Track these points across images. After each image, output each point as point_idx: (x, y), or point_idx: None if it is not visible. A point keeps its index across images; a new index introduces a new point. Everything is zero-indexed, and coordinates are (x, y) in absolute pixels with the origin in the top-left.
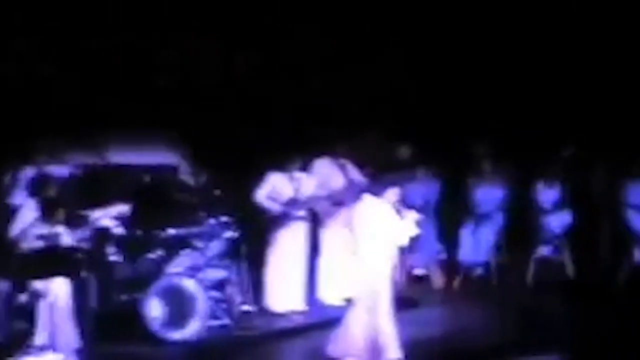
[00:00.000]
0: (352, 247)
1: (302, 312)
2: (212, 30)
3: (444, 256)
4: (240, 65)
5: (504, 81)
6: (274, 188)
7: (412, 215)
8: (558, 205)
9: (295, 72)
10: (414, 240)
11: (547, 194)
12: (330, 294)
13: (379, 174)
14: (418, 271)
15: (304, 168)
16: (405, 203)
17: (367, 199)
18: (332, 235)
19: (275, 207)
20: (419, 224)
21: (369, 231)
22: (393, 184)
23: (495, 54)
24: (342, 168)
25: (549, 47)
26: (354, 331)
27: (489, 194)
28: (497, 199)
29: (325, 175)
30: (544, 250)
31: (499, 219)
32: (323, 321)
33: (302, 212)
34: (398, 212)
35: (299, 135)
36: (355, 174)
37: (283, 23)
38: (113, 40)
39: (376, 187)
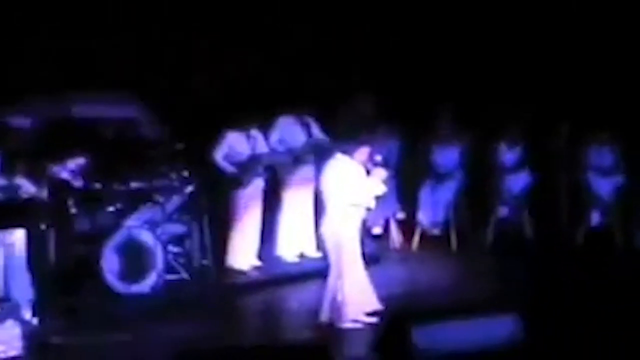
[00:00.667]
0: (311, 205)
1: (259, 267)
2: None
3: (402, 215)
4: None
5: (467, 41)
6: (231, 147)
7: (380, 173)
8: (518, 166)
9: (259, 26)
10: (379, 198)
11: (507, 154)
12: (287, 251)
13: (342, 130)
14: (377, 230)
15: (263, 126)
16: (372, 160)
17: (337, 157)
18: (292, 192)
19: (230, 168)
20: (385, 181)
21: (337, 190)
22: (360, 142)
23: (461, 15)
24: (305, 125)
25: (513, 7)
26: (336, 294)
27: (449, 154)
28: (458, 159)
29: (286, 132)
30: (502, 211)
31: (458, 179)
32: (279, 277)
33: (260, 170)
34: (367, 171)
35: (261, 91)
36: (318, 131)
37: None
38: None
39: (345, 145)
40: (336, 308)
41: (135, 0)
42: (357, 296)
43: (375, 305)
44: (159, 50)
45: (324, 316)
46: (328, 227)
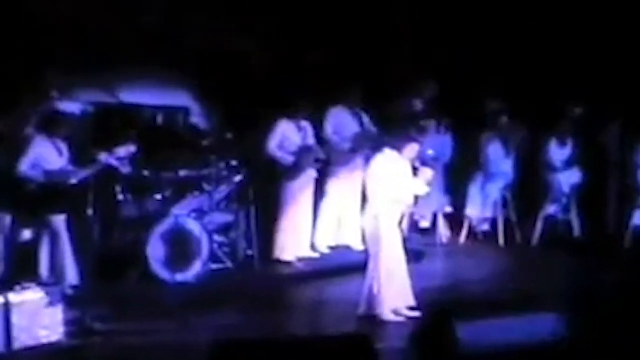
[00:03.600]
0: (358, 197)
1: (306, 259)
2: None
3: (451, 209)
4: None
5: (518, 36)
6: (284, 136)
7: (427, 173)
8: (568, 164)
9: (311, 16)
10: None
11: (557, 152)
12: (334, 243)
13: (392, 125)
14: (424, 223)
15: (312, 116)
16: (421, 160)
17: (386, 151)
18: (343, 184)
19: (286, 158)
20: (430, 182)
21: (381, 184)
22: (411, 139)
23: (514, 11)
24: (357, 116)
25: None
26: (377, 286)
27: (499, 150)
28: (508, 155)
29: (339, 122)
30: (552, 209)
31: (508, 175)
32: (324, 269)
33: (312, 161)
34: (414, 169)
35: (311, 83)
36: (368, 123)
37: None
38: None
39: (395, 140)
40: (373, 300)
41: None
42: (393, 290)
43: (410, 300)
44: (210, 39)
45: (362, 309)
46: (368, 219)
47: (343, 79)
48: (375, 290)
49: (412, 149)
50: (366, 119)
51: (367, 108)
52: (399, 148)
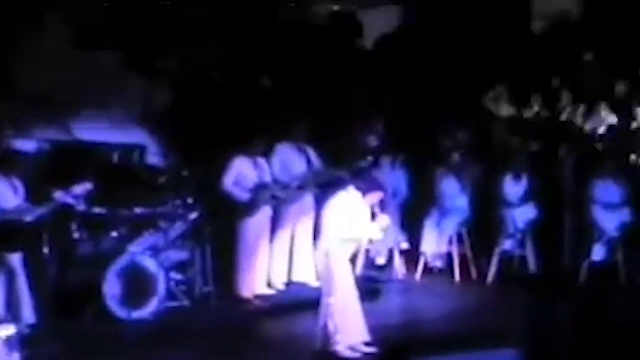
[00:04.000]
0: (310, 233)
1: (262, 296)
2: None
3: (407, 246)
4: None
5: (472, 73)
6: (240, 173)
7: (384, 220)
8: (523, 200)
9: (263, 57)
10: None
11: (512, 187)
12: (292, 279)
13: (344, 162)
14: (380, 260)
15: (265, 153)
16: (381, 207)
17: (350, 191)
18: (294, 222)
19: (242, 195)
20: (385, 229)
21: (339, 222)
22: (377, 187)
23: (463, 46)
24: (303, 153)
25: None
26: (331, 322)
27: (454, 186)
28: (463, 191)
29: (287, 160)
30: (507, 244)
31: (463, 211)
32: (281, 305)
33: (268, 198)
34: (373, 215)
35: (265, 119)
36: (316, 160)
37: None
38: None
39: (361, 183)
40: (329, 337)
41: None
42: (348, 326)
43: (365, 336)
44: (163, 74)
45: (319, 345)
46: (319, 256)
47: (289, 114)
48: (330, 327)
49: (375, 196)
50: (313, 156)
51: (316, 144)
52: (363, 191)
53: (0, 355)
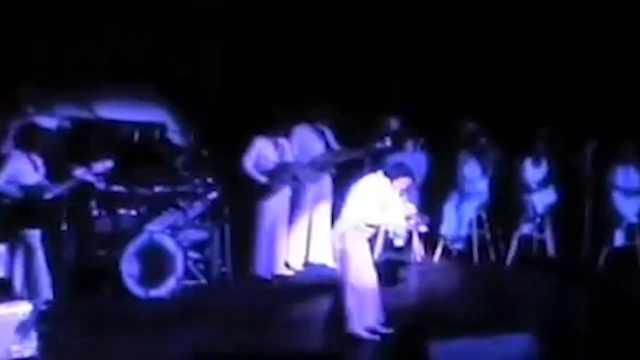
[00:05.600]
0: (328, 214)
1: (280, 276)
2: None
3: (426, 228)
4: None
5: (494, 56)
6: (261, 154)
7: (410, 209)
8: (543, 183)
9: (285, 37)
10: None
11: (533, 171)
12: (309, 260)
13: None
14: (399, 242)
15: (285, 134)
16: (409, 195)
17: (378, 175)
18: (313, 203)
19: (262, 175)
20: (409, 218)
21: (362, 205)
22: (405, 173)
23: (487, 31)
24: (321, 134)
25: (540, 23)
26: (348, 303)
27: (474, 169)
28: (483, 175)
29: (306, 141)
30: (526, 228)
31: (483, 194)
32: (299, 286)
33: (288, 179)
34: (401, 201)
35: (285, 100)
36: (333, 142)
37: None
38: None
39: (390, 169)
40: (346, 318)
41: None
42: (365, 307)
43: (380, 317)
44: (189, 54)
45: (336, 326)
46: (335, 237)
47: (308, 95)
48: (347, 308)
49: (402, 182)
50: (331, 138)
51: (334, 126)
52: (391, 177)
53: (19, 332)
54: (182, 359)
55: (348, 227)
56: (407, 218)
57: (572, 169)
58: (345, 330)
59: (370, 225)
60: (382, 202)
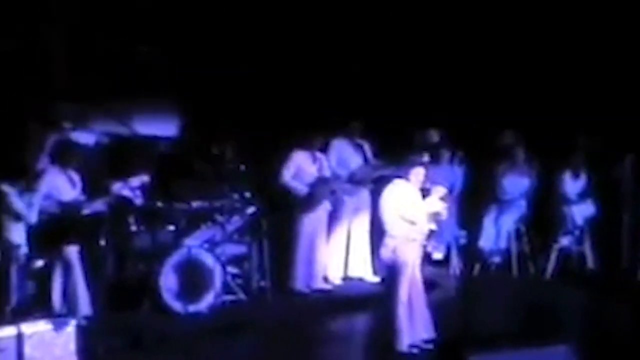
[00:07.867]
0: (367, 229)
1: (319, 290)
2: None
3: (464, 241)
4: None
5: (534, 69)
6: (299, 167)
7: (439, 190)
8: (582, 196)
9: (323, 51)
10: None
11: (571, 184)
12: (348, 275)
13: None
14: (437, 255)
15: (323, 148)
16: (430, 180)
17: (395, 181)
18: (351, 216)
19: (301, 188)
20: (445, 198)
21: (397, 213)
22: (414, 163)
23: (528, 43)
24: (359, 148)
25: (583, 39)
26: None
27: (513, 182)
28: (522, 187)
29: (344, 155)
30: (565, 241)
31: (522, 208)
32: (338, 300)
33: (327, 192)
34: (424, 191)
35: (325, 113)
36: (371, 155)
37: None
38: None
39: (400, 169)
40: (393, 333)
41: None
42: (412, 323)
43: (430, 331)
44: (224, 70)
45: (379, 341)
46: (386, 253)
47: (346, 109)
48: (396, 323)
49: (417, 173)
50: (368, 151)
51: (372, 139)
52: (405, 176)
53: (57, 347)
54: None
55: (398, 241)
56: (443, 199)
57: (611, 182)
58: (393, 345)
59: (417, 225)
60: (413, 200)
